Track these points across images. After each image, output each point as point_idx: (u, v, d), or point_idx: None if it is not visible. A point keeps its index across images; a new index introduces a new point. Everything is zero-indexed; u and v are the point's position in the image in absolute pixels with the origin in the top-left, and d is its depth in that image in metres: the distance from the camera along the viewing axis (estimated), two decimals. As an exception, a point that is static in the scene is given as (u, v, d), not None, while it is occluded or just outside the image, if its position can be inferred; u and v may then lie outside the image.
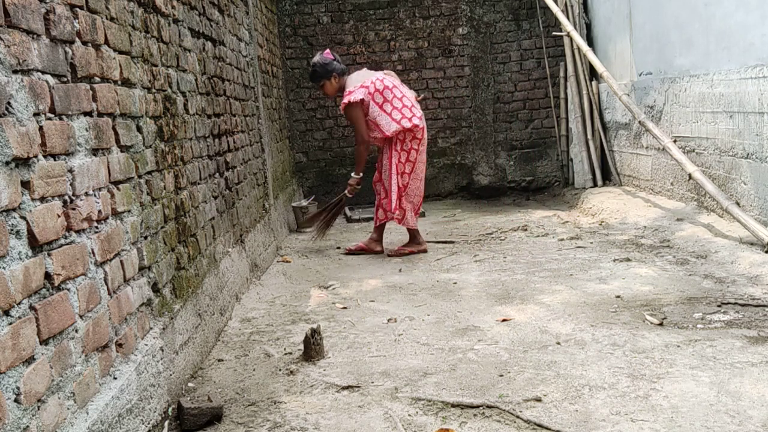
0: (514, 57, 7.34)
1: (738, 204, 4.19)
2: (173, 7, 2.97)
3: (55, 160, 1.73)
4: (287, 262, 4.82)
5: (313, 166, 7.42)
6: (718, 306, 3.13)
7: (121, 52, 2.28)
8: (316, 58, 4.84)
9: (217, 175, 3.55)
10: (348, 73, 4.91)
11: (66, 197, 1.79)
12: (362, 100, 4.66)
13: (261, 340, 3.12)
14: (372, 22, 7.23)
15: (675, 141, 4.94)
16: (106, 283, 2.01)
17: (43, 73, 1.70)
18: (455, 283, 3.92)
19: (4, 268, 1.46)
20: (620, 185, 6.36)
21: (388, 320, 3.29)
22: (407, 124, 4.67)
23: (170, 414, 2.34)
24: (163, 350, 2.39)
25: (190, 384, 2.63)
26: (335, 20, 7.22)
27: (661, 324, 2.94)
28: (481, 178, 7.47)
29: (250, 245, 4.18)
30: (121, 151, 2.23)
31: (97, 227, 1.97)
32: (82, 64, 1.94)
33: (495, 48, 7.32)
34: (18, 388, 1.46)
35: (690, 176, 4.53)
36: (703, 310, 3.09)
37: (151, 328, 2.36)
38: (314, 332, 2.81)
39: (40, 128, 1.67)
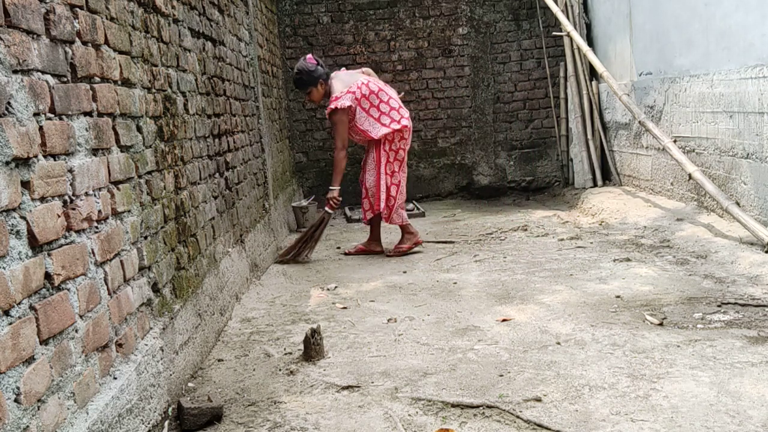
0: (514, 57, 7.34)
1: (738, 204, 4.19)
2: (173, 7, 2.97)
3: (55, 160, 1.73)
4: (287, 262, 4.81)
5: (313, 166, 7.42)
6: (718, 306, 3.13)
7: (121, 52, 2.28)
8: (300, 65, 4.69)
9: (217, 175, 3.55)
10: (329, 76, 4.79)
11: (66, 197, 1.79)
12: (350, 106, 4.61)
13: (261, 340, 3.12)
14: (372, 22, 7.23)
15: (675, 141, 4.93)
16: (106, 283, 2.01)
17: (43, 73, 1.70)
18: (455, 283, 3.92)
19: (4, 268, 1.46)
20: (620, 185, 6.36)
21: (388, 320, 3.29)
22: (396, 127, 4.66)
23: (170, 414, 2.34)
24: (163, 350, 2.39)
25: (190, 384, 2.63)
26: (335, 20, 7.21)
27: (661, 324, 2.94)
28: (481, 178, 7.46)
29: (250, 245, 4.18)
30: (121, 151, 2.23)
31: (97, 227, 1.97)
32: (82, 64, 1.94)
33: (495, 48, 7.32)
34: (18, 388, 1.46)
35: (690, 176, 4.53)
36: (703, 310, 3.09)
37: (151, 328, 2.36)
38: (314, 332, 2.81)
39: (40, 128, 1.67)
